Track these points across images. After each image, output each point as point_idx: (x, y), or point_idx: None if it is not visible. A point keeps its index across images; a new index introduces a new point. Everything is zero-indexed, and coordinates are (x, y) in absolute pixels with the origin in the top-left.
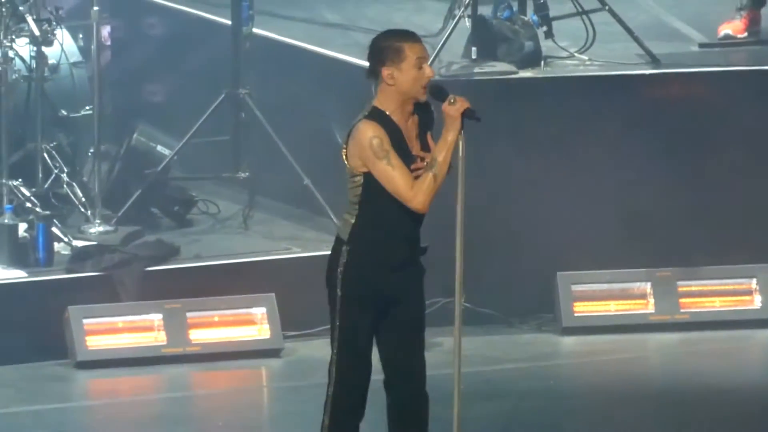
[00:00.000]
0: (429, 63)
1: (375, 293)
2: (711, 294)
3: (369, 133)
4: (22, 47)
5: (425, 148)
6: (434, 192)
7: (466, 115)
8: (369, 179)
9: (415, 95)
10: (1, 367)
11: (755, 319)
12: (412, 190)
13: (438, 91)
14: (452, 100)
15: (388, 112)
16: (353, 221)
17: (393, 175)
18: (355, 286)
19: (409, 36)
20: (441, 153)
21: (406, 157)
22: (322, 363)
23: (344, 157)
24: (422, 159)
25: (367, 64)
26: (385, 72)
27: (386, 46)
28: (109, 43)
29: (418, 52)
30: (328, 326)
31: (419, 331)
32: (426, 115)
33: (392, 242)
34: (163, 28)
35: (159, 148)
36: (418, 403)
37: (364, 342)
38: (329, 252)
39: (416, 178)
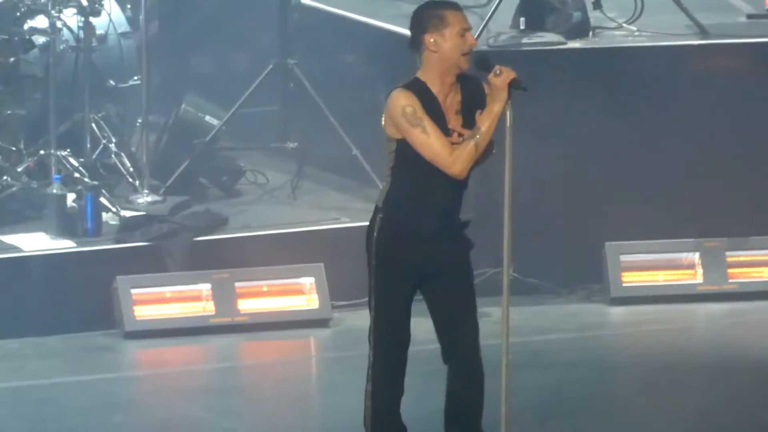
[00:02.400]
0: (477, 34)
1: (407, 262)
2: (760, 264)
3: (402, 101)
4: (70, 18)
5: (470, 125)
6: (473, 160)
7: (512, 85)
8: (402, 146)
9: (457, 63)
10: (49, 337)
11: None
12: (451, 156)
13: (484, 62)
14: (498, 72)
15: (428, 83)
16: (388, 188)
17: (429, 142)
18: (388, 253)
19: (451, 5)
20: (485, 123)
21: (442, 128)
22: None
23: (383, 123)
24: (460, 135)
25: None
26: (428, 39)
27: (429, 14)
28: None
29: (461, 21)
30: None
31: (465, 301)
32: (476, 92)
33: (423, 211)
34: None
35: (207, 118)
36: (471, 374)
37: (399, 309)
38: None
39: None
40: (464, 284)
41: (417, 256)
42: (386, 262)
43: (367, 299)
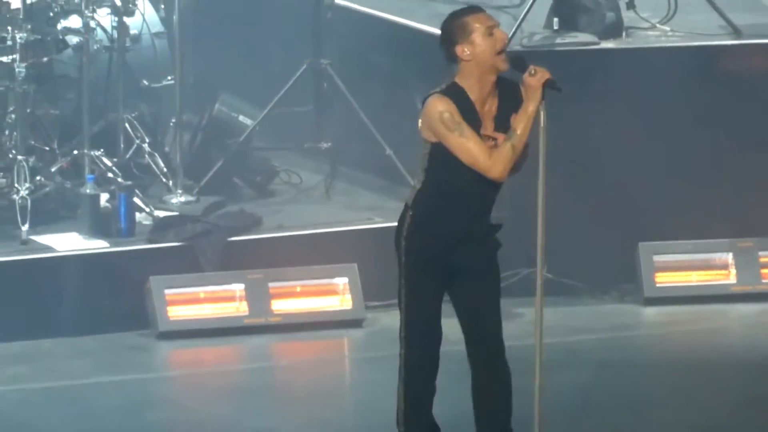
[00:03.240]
0: (511, 34)
1: (436, 260)
2: None
3: (439, 107)
4: (104, 17)
5: (505, 130)
6: (512, 162)
7: (547, 85)
8: (436, 148)
9: (494, 63)
10: (82, 337)
11: None
12: (490, 160)
13: (518, 62)
14: (533, 72)
15: (466, 89)
16: (419, 187)
17: (468, 147)
18: (417, 252)
19: (471, 10)
20: (520, 124)
21: (477, 132)
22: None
23: (420, 125)
24: (493, 139)
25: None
26: (459, 50)
27: (453, 26)
28: None
29: (484, 21)
30: None
31: (490, 302)
32: (514, 95)
33: (453, 212)
34: None
35: (241, 118)
36: (495, 370)
37: (429, 308)
38: None
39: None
40: (490, 284)
41: (445, 255)
42: (415, 260)
43: None
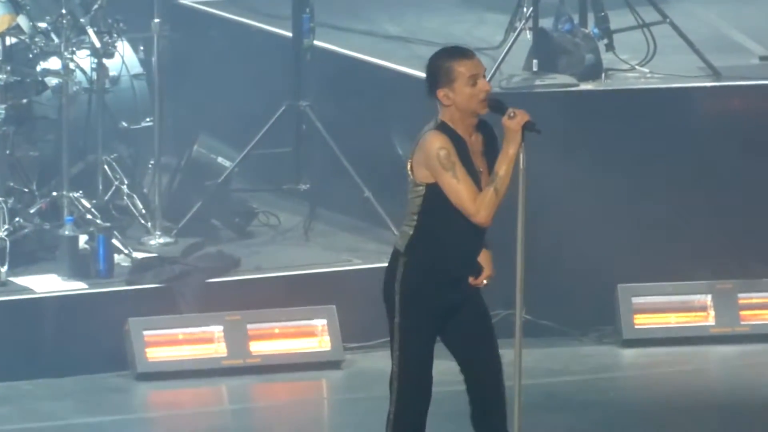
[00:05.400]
0: (490, 76)
1: (434, 306)
2: None
3: (437, 143)
4: (83, 59)
5: (492, 165)
6: (496, 206)
7: (526, 127)
8: (431, 190)
9: (474, 110)
10: (61, 378)
11: None
12: (475, 204)
13: (497, 105)
14: (512, 114)
15: (452, 126)
16: (411, 232)
17: (458, 188)
18: (414, 299)
19: (459, 53)
20: (502, 167)
21: (471, 171)
22: (383, 375)
23: (409, 167)
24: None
25: (425, 76)
26: (440, 93)
27: (438, 67)
28: None
29: (471, 68)
30: (389, 338)
31: (489, 338)
32: (488, 134)
33: (450, 255)
34: (224, 40)
35: (220, 159)
36: (498, 395)
37: (426, 355)
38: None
39: None
40: (486, 321)
41: (443, 299)
42: (412, 308)
43: (379, 341)
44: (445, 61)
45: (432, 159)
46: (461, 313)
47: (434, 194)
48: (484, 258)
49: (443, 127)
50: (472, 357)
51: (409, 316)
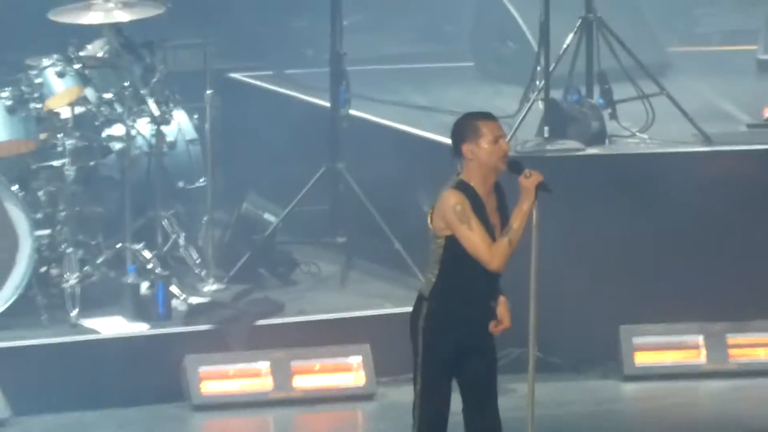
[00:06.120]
0: (507, 140)
1: (454, 346)
2: (757, 345)
3: (452, 200)
4: (144, 126)
5: (506, 221)
6: (509, 254)
7: (539, 187)
8: (450, 242)
9: (495, 166)
10: (126, 408)
11: None
12: (490, 253)
13: (516, 165)
14: (528, 174)
15: (472, 184)
16: (434, 280)
17: (474, 239)
18: (436, 338)
19: (484, 115)
20: (516, 220)
21: (486, 225)
22: (411, 406)
23: (429, 220)
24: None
25: (449, 141)
26: (465, 148)
27: (465, 125)
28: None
29: (494, 129)
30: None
31: (492, 379)
32: (501, 195)
33: (469, 299)
34: (269, 110)
35: (266, 215)
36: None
37: (444, 390)
38: None
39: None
40: (493, 363)
41: (463, 337)
42: (434, 348)
43: (409, 376)
44: (472, 120)
45: (449, 213)
46: (475, 355)
47: (453, 245)
48: (502, 310)
49: (461, 185)
50: (475, 397)
51: (430, 354)
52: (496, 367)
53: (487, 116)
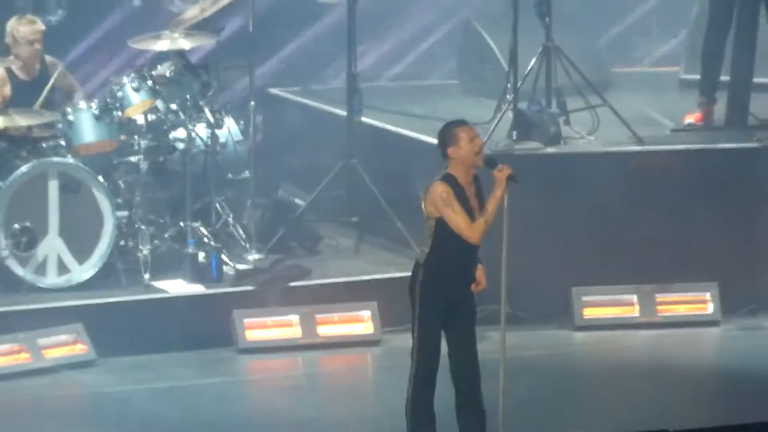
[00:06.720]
0: (484, 141)
1: (443, 301)
2: (679, 303)
3: (440, 189)
4: (201, 130)
5: (483, 205)
6: (485, 231)
7: (509, 179)
8: (439, 222)
9: (474, 161)
10: (188, 352)
11: (709, 320)
12: (470, 230)
13: (490, 161)
14: (500, 168)
15: (456, 176)
16: (427, 251)
17: (457, 220)
18: (430, 295)
19: (460, 123)
20: (491, 205)
21: (467, 208)
22: (409, 349)
23: (423, 205)
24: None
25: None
26: (449, 151)
27: (446, 133)
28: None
29: (469, 132)
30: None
31: (472, 329)
32: (479, 185)
33: (454, 266)
34: (299, 117)
35: (296, 200)
36: (473, 380)
37: (436, 332)
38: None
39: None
40: (473, 315)
41: (447, 298)
42: (428, 304)
43: (408, 326)
44: (451, 128)
45: (437, 200)
46: (459, 310)
47: (441, 225)
48: (480, 274)
49: (447, 177)
50: (458, 344)
51: (424, 308)
52: (475, 319)
53: (462, 123)
